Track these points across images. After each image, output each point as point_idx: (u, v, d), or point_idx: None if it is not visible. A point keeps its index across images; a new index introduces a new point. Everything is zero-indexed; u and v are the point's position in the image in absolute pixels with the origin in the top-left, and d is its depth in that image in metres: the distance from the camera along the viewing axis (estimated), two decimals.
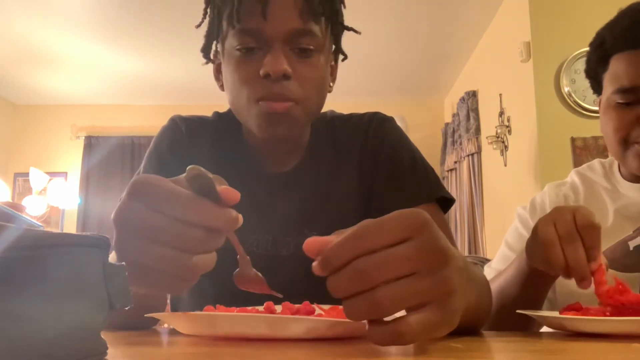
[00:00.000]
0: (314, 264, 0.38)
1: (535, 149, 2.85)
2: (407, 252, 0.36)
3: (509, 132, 3.30)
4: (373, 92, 4.96)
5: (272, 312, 0.56)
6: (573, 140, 2.74)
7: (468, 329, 0.59)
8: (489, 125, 3.68)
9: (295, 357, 0.39)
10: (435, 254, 0.37)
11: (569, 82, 2.79)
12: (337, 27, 0.82)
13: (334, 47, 0.85)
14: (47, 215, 4.73)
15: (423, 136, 4.82)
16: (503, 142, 3.36)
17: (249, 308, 0.61)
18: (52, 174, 4.83)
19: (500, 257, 1.03)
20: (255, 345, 0.45)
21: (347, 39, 0.87)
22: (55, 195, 4.63)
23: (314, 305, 0.58)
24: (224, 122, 0.89)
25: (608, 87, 0.91)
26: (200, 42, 0.84)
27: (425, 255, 0.37)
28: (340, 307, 0.60)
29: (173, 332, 0.64)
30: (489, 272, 0.99)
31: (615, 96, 0.88)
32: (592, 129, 2.70)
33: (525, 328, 0.84)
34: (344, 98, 4.43)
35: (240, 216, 0.43)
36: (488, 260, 1.16)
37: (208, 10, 0.81)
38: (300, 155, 0.87)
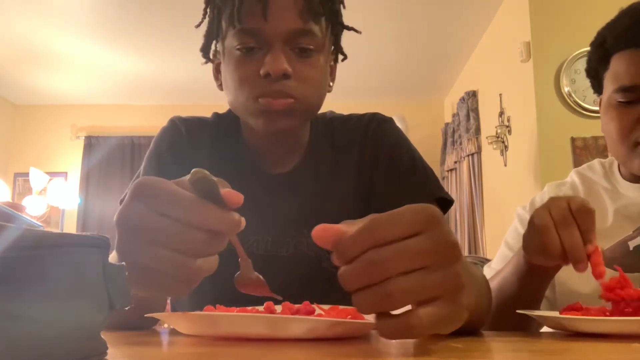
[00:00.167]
0: (333, 255, 0.38)
1: (535, 149, 2.85)
2: (421, 245, 0.36)
3: (509, 132, 3.30)
4: (373, 92, 4.96)
5: (272, 312, 0.56)
6: (573, 140, 2.74)
7: (468, 329, 0.59)
8: (489, 125, 3.68)
9: (295, 357, 0.39)
10: (447, 249, 0.37)
11: (569, 82, 2.79)
12: (336, 27, 0.82)
13: (333, 47, 0.85)
14: (47, 215, 4.73)
15: (423, 136, 4.82)
16: (503, 142, 3.36)
17: (249, 308, 0.61)
18: (52, 174, 4.83)
19: (500, 257, 1.03)
20: (255, 345, 0.45)
21: (347, 39, 0.87)
22: (55, 195, 4.63)
23: (314, 305, 0.58)
24: (224, 122, 0.89)
25: (609, 86, 0.91)
26: (200, 41, 0.84)
27: (438, 250, 0.37)
28: (341, 307, 0.60)
29: (173, 332, 0.64)
30: (488, 272, 0.99)
31: (616, 95, 0.88)
32: (592, 129, 2.70)
33: (525, 326, 0.84)
34: (344, 98, 4.43)
35: (243, 219, 0.43)
36: (488, 260, 1.16)
37: (208, 10, 0.82)
38: (300, 156, 0.87)
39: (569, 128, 2.77)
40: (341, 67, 0.91)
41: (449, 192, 0.86)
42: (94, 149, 5.24)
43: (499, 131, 3.36)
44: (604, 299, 0.63)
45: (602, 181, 0.99)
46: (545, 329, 0.78)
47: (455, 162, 4.38)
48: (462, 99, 4.18)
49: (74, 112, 5.30)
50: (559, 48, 2.82)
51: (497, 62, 3.57)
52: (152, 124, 4.88)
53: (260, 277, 0.53)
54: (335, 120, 0.91)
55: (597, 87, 0.97)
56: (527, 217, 0.74)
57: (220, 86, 0.84)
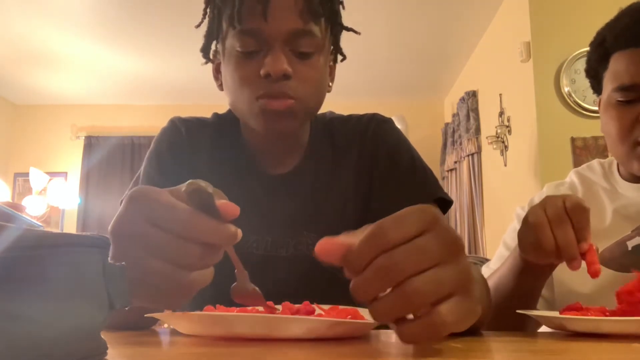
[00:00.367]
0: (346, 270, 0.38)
1: (535, 149, 2.85)
2: (429, 244, 0.36)
3: (509, 132, 3.30)
4: (373, 92, 4.96)
5: (272, 312, 0.56)
6: (573, 140, 2.74)
7: (467, 330, 0.59)
8: (489, 125, 3.68)
9: (295, 357, 0.39)
10: (453, 244, 0.37)
11: (569, 82, 2.79)
12: (336, 27, 0.82)
13: (333, 47, 0.85)
14: (47, 215, 4.73)
15: (423, 136, 4.82)
16: (503, 142, 3.36)
17: (249, 308, 0.61)
18: (52, 174, 4.83)
19: (498, 257, 1.03)
20: (255, 345, 0.45)
21: (347, 39, 0.87)
22: (55, 195, 4.63)
23: (314, 305, 0.58)
24: (224, 123, 0.89)
25: (608, 85, 0.91)
26: (200, 42, 0.84)
27: (445, 245, 0.37)
28: (341, 307, 0.60)
29: (173, 332, 0.63)
30: (487, 272, 0.99)
31: (616, 94, 0.88)
32: (592, 129, 2.70)
33: (522, 324, 0.84)
34: (344, 98, 4.43)
35: (239, 231, 0.43)
36: (488, 260, 1.16)
37: (208, 10, 0.82)
38: (299, 156, 0.87)
39: (569, 128, 2.77)
40: (341, 67, 0.91)
41: (449, 192, 0.86)
42: (94, 149, 5.24)
43: (499, 131, 3.36)
44: (618, 302, 0.62)
45: (601, 181, 0.99)
46: (544, 328, 0.78)
47: (455, 162, 4.38)
48: (462, 99, 4.18)
49: (74, 112, 5.30)
50: (559, 48, 2.82)
51: (497, 62, 3.57)
52: (152, 124, 4.89)
53: (257, 289, 0.53)
54: (335, 121, 0.91)
55: (597, 87, 0.97)
56: None
57: (220, 86, 0.84)
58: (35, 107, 5.30)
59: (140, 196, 0.41)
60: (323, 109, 0.86)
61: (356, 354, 0.39)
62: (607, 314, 0.62)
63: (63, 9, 3.48)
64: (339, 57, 0.88)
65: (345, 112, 0.94)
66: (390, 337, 0.55)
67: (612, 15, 0.92)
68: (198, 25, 0.83)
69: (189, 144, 0.86)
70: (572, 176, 1.05)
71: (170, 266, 0.40)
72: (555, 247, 0.68)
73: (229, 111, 0.87)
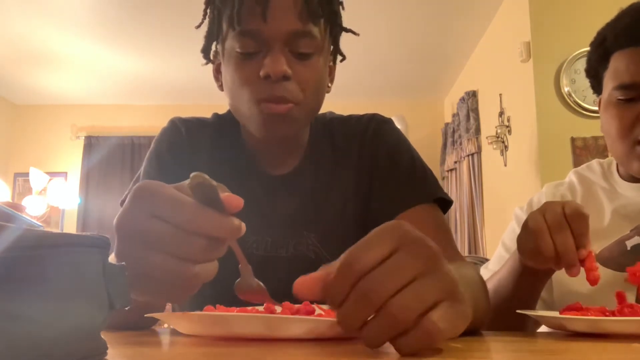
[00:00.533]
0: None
1: (535, 149, 2.85)
2: (402, 260, 0.36)
3: (509, 132, 3.30)
4: (373, 92, 4.96)
5: (272, 312, 0.56)
6: (573, 140, 2.74)
7: (468, 330, 0.59)
8: (489, 125, 3.68)
9: (295, 357, 0.39)
10: (428, 255, 0.37)
11: (569, 82, 2.79)
12: (335, 28, 0.82)
13: (332, 47, 0.85)
14: (47, 215, 4.73)
15: (423, 136, 4.82)
16: (503, 142, 3.36)
17: (249, 308, 0.61)
18: (52, 174, 4.83)
19: (497, 258, 1.03)
20: (255, 345, 0.45)
21: (347, 39, 0.87)
22: (55, 195, 4.63)
23: (314, 305, 0.58)
24: (224, 123, 0.89)
25: (609, 84, 0.91)
26: (200, 42, 0.84)
27: (419, 258, 0.37)
28: None
29: (173, 332, 0.64)
30: (485, 273, 0.99)
31: (616, 92, 0.88)
32: (592, 129, 2.70)
33: (521, 327, 0.84)
34: (344, 98, 4.43)
35: (243, 224, 0.43)
36: (488, 260, 1.16)
37: (208, 11, 0.82)
38: (299, 157, 0.87)
39: (569, 128, 2.77)
40: (341, 68, 0.91)
41: (449, 192, 0.86)
42: (94, 149, 5.24)
43: (499, 131, 3.36)
44: (630, 282, 0.63)
45: (600, 181, 0.99)
46: (544, 329, 0.78)
47: (455, 162, 4.38)
48: (462, 99, 4.18)
49: (74, 112, 5.30)
50: (559, 48, 2.82)
51: (497, 62, 3.57)
52: (152, 124, 4.89)
53: (261, 284, 0.52)
54: (335, 121, 0.91)
55: (597, 87, 0.98)
56: (525, 217, 0.74)
57: (220, 87, 0.84)
58: (35, 107, 5.30)
59: (144, 191, 0.41)
60: (323, 110, 0.86)
61: (356, 354, 0.39)
62: (607, 314, 0.62)
63: (63, 9, 3.48)
64: (339, 58, 0.88)
65: (345, 113, 0.94)
66: None
67: (612, 16, 0.93)
68: (198, 26, 0.83)
69: (189, 144, 0.86)
70: (571, 176, 1.05)
71: (174, 259, 0.40)
72: (554, 253, 0.69)
73: (229, 111, 0.87)
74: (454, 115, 4.49)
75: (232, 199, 0.42)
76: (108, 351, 0.32)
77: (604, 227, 0.91)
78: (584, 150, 2.71)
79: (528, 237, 0.72)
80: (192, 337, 0.52)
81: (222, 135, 0.88)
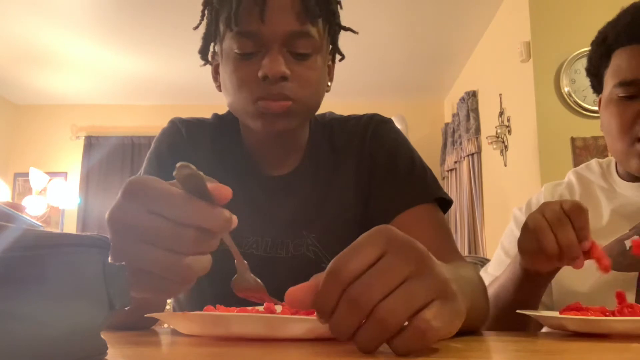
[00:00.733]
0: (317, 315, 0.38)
1: (535, 149, 2.85)
2: (389, 264, 0.36)
3: (509, 132, 3.30)
4: (373, 92, 4.96)
5: (272, 312, 0.56)
6: (573, 140, 2.74)
7: (467, 330, 0.59)
8: (489, 125, 3.68)
9: (295, 357, 0.39)
10: (416, 256, 0.37)
11: (569, 82, 2.79)
12: (333, 27, 0.82)
13: (331, 47, 0.85)
14: (47, 215, 4.73)
15: (423, 136, 4.82)
16: (503, 142, 3.36)
17: (249, 308, 0.61)
18: (52, 174, 4.83)
19: (496, 261, 1.03)
20: (255, 345, 0.45)
21: (346, 39, 0.87)
22: (55, 195, 4.63)
23: None
24: (224, 124, 0.89)
25: (610, 82, 0.91)
26: (200, 42, 0.84)
27: (408, 260, 0.37)
28: None
29: (173, 332, 0.64)
30: (485, 276, 0.99)
31: (617, 89, 0.88)
32: (592, 129, 2.70)
33: (522, 330, 0.84)
34: (343, 98, 4.44)
35: (234, 217, 0.42)
36: (488, 260, 1.16)
37: (205, 12, 0.81)
38: (299, 158, 0.87)
39: (569, 128, 2.77)
40: (341, 67, 0.90)
41: (449, 192, 0.86)
42: (94, 149, 5.24)
43: (499, 131, 3.36)
44: (636, 254, 0.63)
45: (599, 181, 0.99)
46: (544, 329, 0.78)
47: (455, 162, 4.38)
48: (462, 99, 4.18)
49: (74, 112, 5.30)
50: (559, 48, 2.82)
51: (497, 62, 3.57)
52: (152, 124, 4.88)
53: (258, 280, 0.52)
54: (334, 122, 0.91)
55: (597, 86, 0.98)
56: (523, 218, 0.74)
57: (219, 87, 0.84)
58: (35, 107, 5.30)
59: (134, 184, 0.41)
60: (322, 110, 0.86)
61: (356, 354, 0.39)
62: (607, 314, 0.62)
63: (63, 9, 3.48)
64: (338, 57, 0.88)
65: (345, 113, 0.94)
66: None
67: (613, 15, 0.93)
68: (196, 27, 0.83)
69: (189, 144, 0.86)
70: (570, 176, 1.05)
71: (164, 252, 0.40)
72: (557, 248, 0.69)
73: (229, 112, 0.87)
74: (454, 115, 4.49)
75: (221, 189, 0.41)
76: (108, 351, 0.32)
77: (603, 227, 0.91)
78: (584, 150, 2.71)
79: (529, 237, 0.72)
80: (192, 337, 0.52)
81: (222, 136, 0.88)
